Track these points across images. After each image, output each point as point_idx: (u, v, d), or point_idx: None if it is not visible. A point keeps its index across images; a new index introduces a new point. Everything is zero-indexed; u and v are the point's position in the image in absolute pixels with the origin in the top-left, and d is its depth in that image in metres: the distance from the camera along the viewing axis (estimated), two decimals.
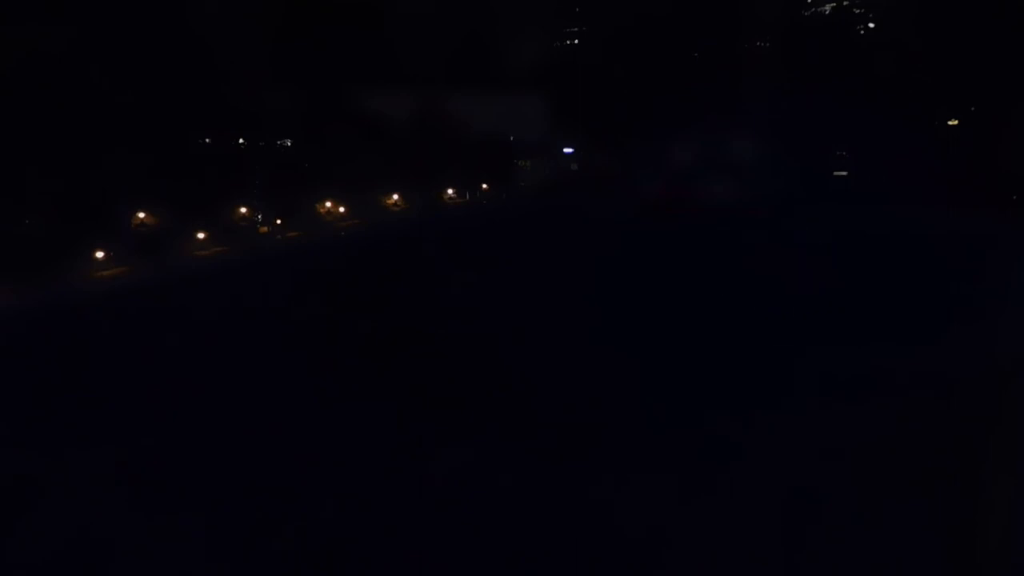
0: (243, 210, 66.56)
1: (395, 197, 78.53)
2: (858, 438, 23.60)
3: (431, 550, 18.73)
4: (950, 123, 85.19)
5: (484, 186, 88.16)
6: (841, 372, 29.61)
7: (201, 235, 58.21)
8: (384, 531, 19.54)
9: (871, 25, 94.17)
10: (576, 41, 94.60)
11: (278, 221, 65.53)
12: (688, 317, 38.23)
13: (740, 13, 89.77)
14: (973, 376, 29.08)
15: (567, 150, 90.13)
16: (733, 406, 26.28)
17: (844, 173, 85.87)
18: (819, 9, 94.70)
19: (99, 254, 51.42)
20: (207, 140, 73.35)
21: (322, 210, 71.55)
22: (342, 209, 71.87)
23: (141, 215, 60.57)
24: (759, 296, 41.97)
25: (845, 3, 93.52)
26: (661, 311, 39.36)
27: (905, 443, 23.19)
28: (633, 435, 24.67)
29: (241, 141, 76.03)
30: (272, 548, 18.68)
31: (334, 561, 18.34)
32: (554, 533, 19.18)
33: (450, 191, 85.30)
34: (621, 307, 40.57)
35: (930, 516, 19.32)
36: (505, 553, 18.58)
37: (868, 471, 21.66)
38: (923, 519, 19.11)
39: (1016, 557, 17.83)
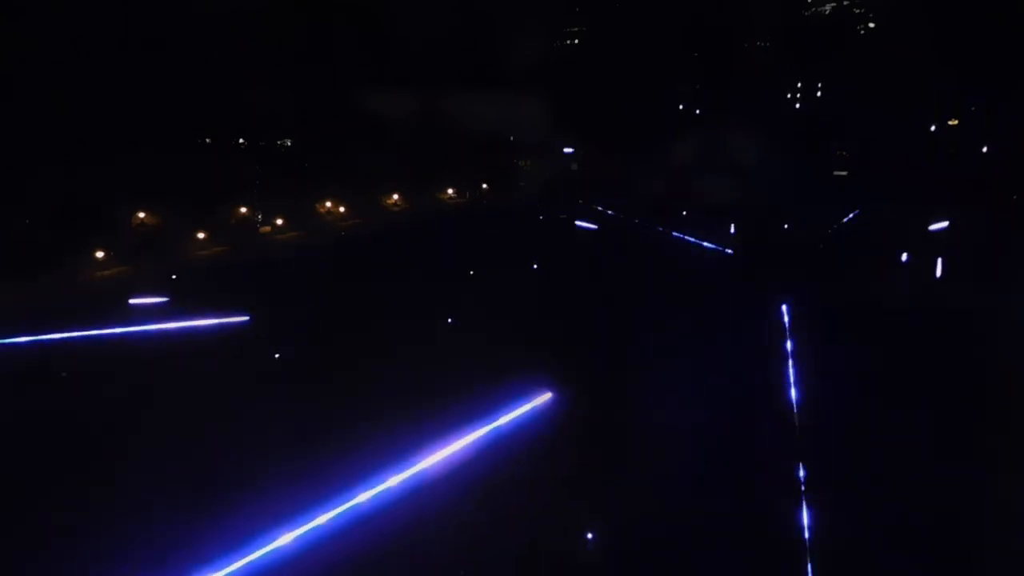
0: (243, 210, 66.59)
1: (395, 197, 78.64)
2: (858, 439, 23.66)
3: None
4: (950, 123, 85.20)
5: (484, 186, 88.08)
6: (837, 372, 29.71)
7: (201, 235, 58.30)
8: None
9: (871, 25, 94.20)
10: (576, 41, 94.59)
11: (278, 221, 65.53)
12: (686, 316, 38.33)
13: (740, 13, 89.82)
14: (974, 376, 29.16)
15: (567, 150, 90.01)
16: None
17: (844, 173, 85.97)
18: (819, 9, 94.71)
19: (99, 254, 51.53)
20: (207, 140, 73.28)
21: (322, 210, 71.67)
22: (342, 209, 72.00)
23: (141, 215, 60.58)
24: (759, 295, 42.09)
25: (845, 3, 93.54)
26: (659, 311, 39.45)
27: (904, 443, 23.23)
28: None
29: (241, 141, 75.96)
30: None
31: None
32: None
33: (450, 191, 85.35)
34: (621, 307, 40.65)
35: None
36: None
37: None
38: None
39: (1016, 557, 17.87)
